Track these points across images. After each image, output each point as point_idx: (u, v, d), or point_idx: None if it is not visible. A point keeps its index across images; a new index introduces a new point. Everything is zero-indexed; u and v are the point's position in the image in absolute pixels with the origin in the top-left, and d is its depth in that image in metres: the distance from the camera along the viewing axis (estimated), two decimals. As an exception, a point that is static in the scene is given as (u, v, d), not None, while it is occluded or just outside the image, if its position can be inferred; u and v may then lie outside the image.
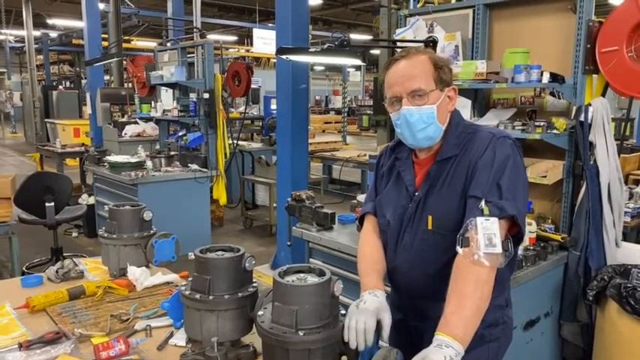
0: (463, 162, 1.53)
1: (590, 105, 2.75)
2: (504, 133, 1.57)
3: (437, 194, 1.56)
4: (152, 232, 2.27)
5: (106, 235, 2.23)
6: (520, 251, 2.56)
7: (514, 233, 1.48)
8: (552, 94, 3.06)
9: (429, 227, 1.56)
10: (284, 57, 3.26)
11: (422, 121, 1.52)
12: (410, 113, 1.52)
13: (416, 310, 1.65)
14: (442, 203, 1.55)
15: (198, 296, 1.54)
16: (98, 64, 7.87)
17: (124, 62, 9.23)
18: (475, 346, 1.42)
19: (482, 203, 1.41)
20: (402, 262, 1.64)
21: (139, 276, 2.16)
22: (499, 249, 1.36)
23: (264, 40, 13.32)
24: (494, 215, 1.39)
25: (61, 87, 17.52)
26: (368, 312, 1.41)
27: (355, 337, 1.37)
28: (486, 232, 1.37)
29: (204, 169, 5.72)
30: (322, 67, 27.91)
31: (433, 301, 1.46)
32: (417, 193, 1.60)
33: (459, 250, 1.39)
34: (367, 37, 16.02)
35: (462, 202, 1.50)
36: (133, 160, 5.62)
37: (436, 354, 1.22)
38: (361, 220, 1.84)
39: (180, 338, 1.71)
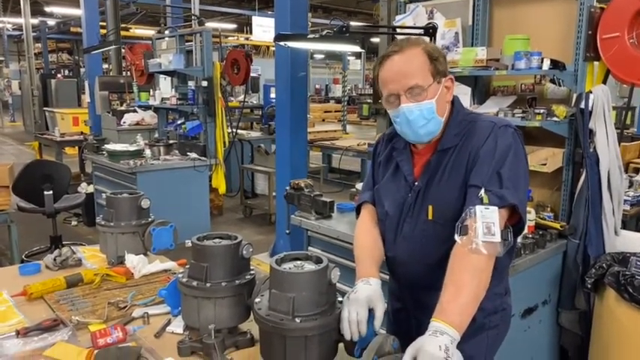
0: (463, 152, 1.51)
1: (590, 92, 2.72)
2: (505, 122, 1.54)
3: (437, 184, 1.54)
4: (150, 219, 2.27)
5: (103, 222, 2.23)
6: (519, 239, 2.55)
7: (514, 222, 1.46)
8: (552, 81, 3.03)
9: (430, 217, 1.55)
10: (282, 43, 3.23)
11: (422, 118, 1.49)
12: (409, 111, 1.48)
13: (415, 299, 1.65)
14: (443, 193, 1.53)
15: (195, 284, 1.54)
16: (96, 51, 7.83)
17: (123, 50, 9.17)
18: (474, 334, 1.42)
19: (482, 192, 1.40)
20: (402, 253, 1.63)
21: (137, 264, 2.16)
22: (498, 238, 1.34)
23: (264, 28, 13.23)
24: (494, 204, 1.38)
25: (59, 75, 17.44)
26: (359, 302, 1.40)
27: (349, 327, 1.36)
28: (485, 220, 1.35)
29: (204, 158, 5.71)
30: (322, 56, 27.76)
31: (432, 291, 1.45)
32: (416, 183, 1.58)
33: (457, 238, 1.38)
34: (368, 24, 15.90)
35: (462, 191, 1.48)
36: (132, 148, 5.61)
37: (431, 344, 1.21)
38: (358, 209, 1.83)
39: (177, 325, 1.71)
